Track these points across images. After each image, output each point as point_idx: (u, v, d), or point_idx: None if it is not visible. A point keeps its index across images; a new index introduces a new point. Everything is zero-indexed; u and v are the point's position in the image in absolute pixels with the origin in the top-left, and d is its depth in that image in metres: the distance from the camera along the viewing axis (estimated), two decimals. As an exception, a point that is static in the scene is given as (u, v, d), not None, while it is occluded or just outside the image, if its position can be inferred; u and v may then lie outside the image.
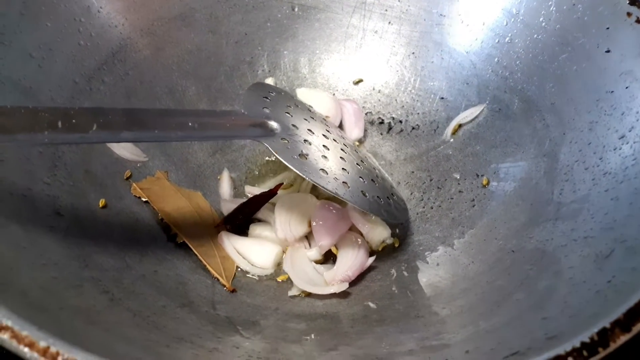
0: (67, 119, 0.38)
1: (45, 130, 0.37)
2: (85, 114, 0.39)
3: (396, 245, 0.54)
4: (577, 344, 0.29)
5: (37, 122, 0.37)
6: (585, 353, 0.28)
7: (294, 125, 0.50)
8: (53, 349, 0.27)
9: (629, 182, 0.42)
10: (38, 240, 0.41)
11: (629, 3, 0.47)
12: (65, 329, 0.31)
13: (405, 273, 0.52)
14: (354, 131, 0.63)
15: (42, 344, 0.28)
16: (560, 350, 0.29)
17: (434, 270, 0.51)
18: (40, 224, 0.43)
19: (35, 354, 0.27)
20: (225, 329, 0.43)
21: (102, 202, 0.49)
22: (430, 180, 0.59)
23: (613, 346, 0.28)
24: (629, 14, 0.47)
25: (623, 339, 0.29)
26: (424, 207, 0.57)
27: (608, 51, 0.48)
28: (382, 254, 0.54)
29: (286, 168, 0.49)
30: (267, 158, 0.62)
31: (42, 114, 0.37)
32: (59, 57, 0.52)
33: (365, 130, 0.64)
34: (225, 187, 0.59)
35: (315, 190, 0.58)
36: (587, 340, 0.29)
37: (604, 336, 0.29)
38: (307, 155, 0.47)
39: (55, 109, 0.38)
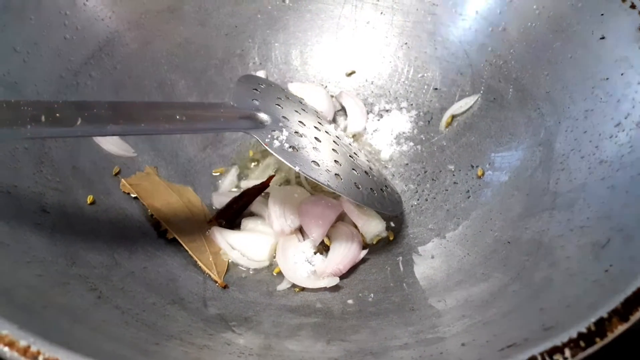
0: (51, 113, 0.37)
1: (27, 124, 0.36)
2: (70, 107, 0.38)
3: (391, 238, 0.54)
4: (574, 335, 0.28)
5: (20, 116, 0.36)
6: (582, 343, 0.28)
7: (284, 117, 0.49)
8: (34, 348, 0.26)
9: (625, 170, 0.41)
10: (23, 238, 0.40)
11: (623, -12, 0.46)
12: (49, 327, 0.30)
13: (400, 266, 0.51)
14: (360, 122, 0.62)
15: (23, 343, 0.27)
16: (557, 341, 0.28)
17: (429, 263, 0.50)
18: (26, 221, 0.42)
19: (15, 354, 0.26)
20: (216, 325, 0.42)
21: (90, 199, 0.49)
22: (425, 172, 0.58)
23: (611, 336, 0.28)
24: (623, 0, 0.46)
25: (621, 328, 0.28)
26: (418, 200, 0.57)
27: (603, 38, 0.48)
28: (376, 247, 0.53)
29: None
30: (259, 151, 0.61)
31: (24, 108, 0.36)
32: (44, 52, 0.51)
33: (359, 123, 0.63)
34: (227, 183, 0.58)
35: (312, 183, 0.57)
36: (584, 330, 0.28)
37: (601, 326, 0.28)
38: (299, 147, 0.46)
39: (38, 103, 0.37)
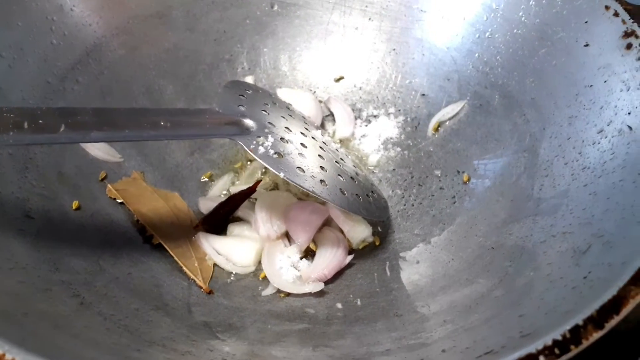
0: (34, 120, 0.37)
1: (10, 131, 0.36)
2: (53, 114, 0.38)
3: (377, 243, 0.54)
4: (549, 342, 0.28)
5: (2, 123, 0.36)
6: (557, 351, 0.28)
7: (270, 123, 0.49)
8: (9, 356, 0.26)
9: (607, 176, 0.42)
10: (6, 244, 0.40)
11: (606, -4, 0.47)
12: (27, 335, 0.30)
13: (386, 271, 0.51)
14: (348, 127, 0.62)
15: (-2, 351, 0.27)
16: (532, 348, 0.28)
17: (415, 268, 0.50)
18: (9, 227, 0.42)
19: (-10, 362, 0.26)
20: (200, 332, 0.42)
21: (75, 204, 0.49)
22: (412, 177, 0.58)
23: (585, 343, 0.28)
24: (606, 7, 0.47)
25: (596, 336, 0.28)
26: (404, 205, 0.57)
27: (587, 45, 0.48)
28: (362, 252, 0.53)
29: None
30: (246, 159, 0.61)
31: (6, 115, 0.36)
32: (30, 57, 0.51)
33: (347, 128, 0.63)
34: (216, 188, 0.58)
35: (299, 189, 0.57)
36: (559, 337, 0.28)
37: (576, 333, 0.28)
38: (284, 153, 0.47)
39: (21, 109, 0.37)
